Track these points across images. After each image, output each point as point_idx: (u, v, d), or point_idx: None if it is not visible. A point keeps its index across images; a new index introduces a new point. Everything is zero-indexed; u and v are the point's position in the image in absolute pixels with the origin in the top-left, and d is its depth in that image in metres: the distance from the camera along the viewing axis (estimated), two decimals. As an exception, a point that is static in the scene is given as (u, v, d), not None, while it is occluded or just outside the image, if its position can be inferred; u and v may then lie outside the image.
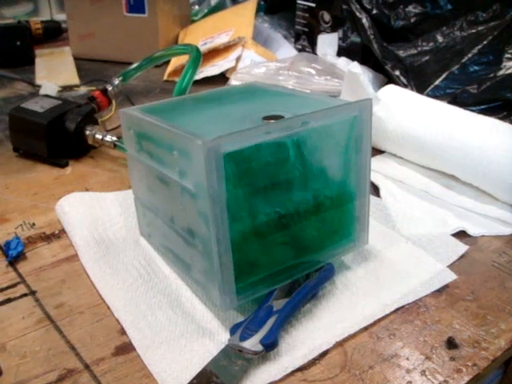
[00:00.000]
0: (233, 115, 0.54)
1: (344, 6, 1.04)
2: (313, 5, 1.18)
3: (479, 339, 0.50)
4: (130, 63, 0.92)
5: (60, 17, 2.21)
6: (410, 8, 1.00)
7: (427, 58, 0.97)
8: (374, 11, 1.01)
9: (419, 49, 0.99)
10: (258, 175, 0.47)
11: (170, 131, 0.48)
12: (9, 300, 0.54)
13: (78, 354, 0.48)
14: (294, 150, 0.49)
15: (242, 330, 0.47)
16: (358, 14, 1.01)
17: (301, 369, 0.46)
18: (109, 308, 0.53)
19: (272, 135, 0.46)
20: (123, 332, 0.50)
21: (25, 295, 0.55)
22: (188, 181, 0.47)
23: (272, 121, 0.48)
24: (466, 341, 0.50)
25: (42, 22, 1.51)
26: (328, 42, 1.10)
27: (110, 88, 0.88)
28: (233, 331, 0.48)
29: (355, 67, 0.82)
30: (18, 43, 1.28)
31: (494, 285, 0.57)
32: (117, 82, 0.89)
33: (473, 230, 0.65)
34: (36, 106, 0.83)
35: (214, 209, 0.44)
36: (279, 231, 0.50)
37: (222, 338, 0.49)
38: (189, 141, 0.45)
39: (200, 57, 0.82)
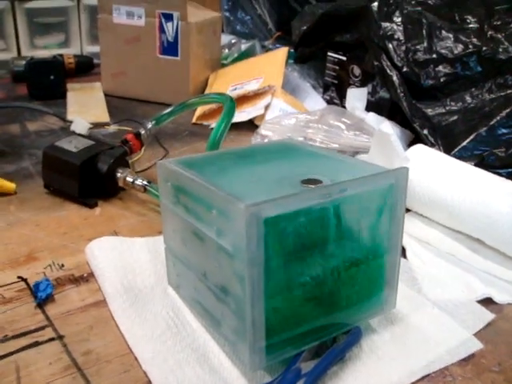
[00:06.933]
0: (270, 176, 0.55)
1: (375, 63, 1.05)
2: (344, 58, 1.20)
3: (506, 415, 0.49)
4: (160, 103, 0.93)
5: (90, 48, 2.27)
6: (440, 68, 1.01)
7: (455, 117, 0.98)
8: (405, 69, 1.02)
9: (448, 108, 1.00)
10: (294, 238, 0.48)
11: (211, 190, 0.49)
12: (36, 343, 0.55)
13: (105, 405, 0.48)
14: (332, 214, 0.49)
15: (269, 393, 0.47)
16: (388, 71, 1.03)
17: None
18: (136, 359, 0.53)
19: (312, 201, 0.47)
20: (151, 385, 0.50)
21: (52, 339, 0.55)
22: (225, 240, 0.48)
23: (311, 186, 0.49)
24: (493, 416, 0.49)
25: (75, 56, 1.54)
26: (357, 96, 1.11)
27: (143, 132, 0.89)
28: (260, 393, 0.48)
29: (386, 127, 0.83)
30: (52, 77, 1.31)
31: (521, 357, 0.57)
32: (150, 125, 0.90)
33: (499, 298, 0.65)
34: (70, 145, 0.85)
35: (251, 271, 0.44)
36: (312, 292, 0.51)
37: (249, 398, 0.49)
38: (230, 203, 0.46)
39: (234, 108, 0.83)
